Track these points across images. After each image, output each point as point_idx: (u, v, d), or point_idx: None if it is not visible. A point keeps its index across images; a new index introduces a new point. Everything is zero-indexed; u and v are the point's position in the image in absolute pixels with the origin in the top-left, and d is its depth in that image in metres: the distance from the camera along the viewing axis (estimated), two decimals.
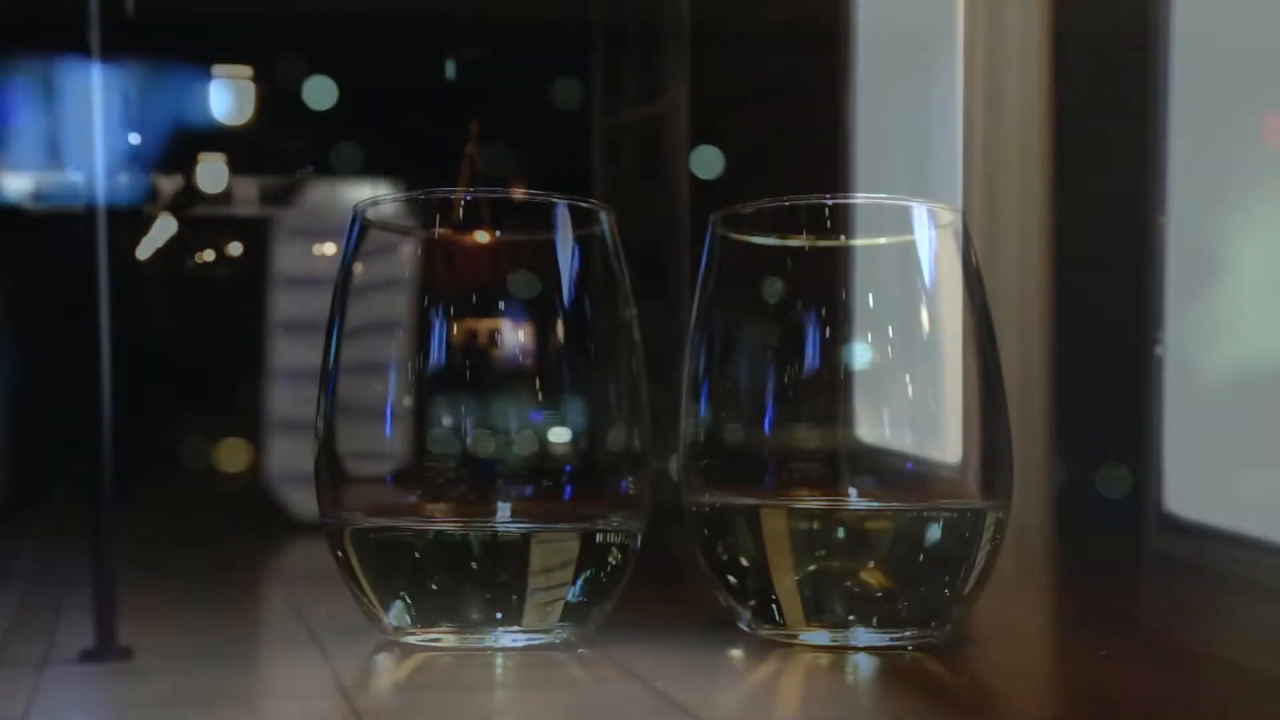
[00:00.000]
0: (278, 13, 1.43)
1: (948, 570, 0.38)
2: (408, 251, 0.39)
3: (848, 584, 0.38)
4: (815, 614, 0.38)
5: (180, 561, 0.69)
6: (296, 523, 0.89)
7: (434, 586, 0.37)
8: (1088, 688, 0.32)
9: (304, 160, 1.58)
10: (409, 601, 0.37)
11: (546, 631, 0.38)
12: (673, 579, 0.59)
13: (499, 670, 0.35)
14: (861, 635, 0.37)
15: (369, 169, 1.54)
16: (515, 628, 0.37)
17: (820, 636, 0.38)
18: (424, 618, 0.37)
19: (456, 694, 0.32)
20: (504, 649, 0.37)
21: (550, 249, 0.39)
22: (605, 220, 0.40)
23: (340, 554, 0.38)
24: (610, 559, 0.39)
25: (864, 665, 0.36)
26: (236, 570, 0.67)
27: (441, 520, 0.38)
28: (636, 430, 0.40)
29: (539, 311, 0.39)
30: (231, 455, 1.85)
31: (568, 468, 0.39)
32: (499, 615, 0.37)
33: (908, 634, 0.37)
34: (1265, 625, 0.47)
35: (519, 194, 0.39)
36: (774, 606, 0.38)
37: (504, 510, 0.39)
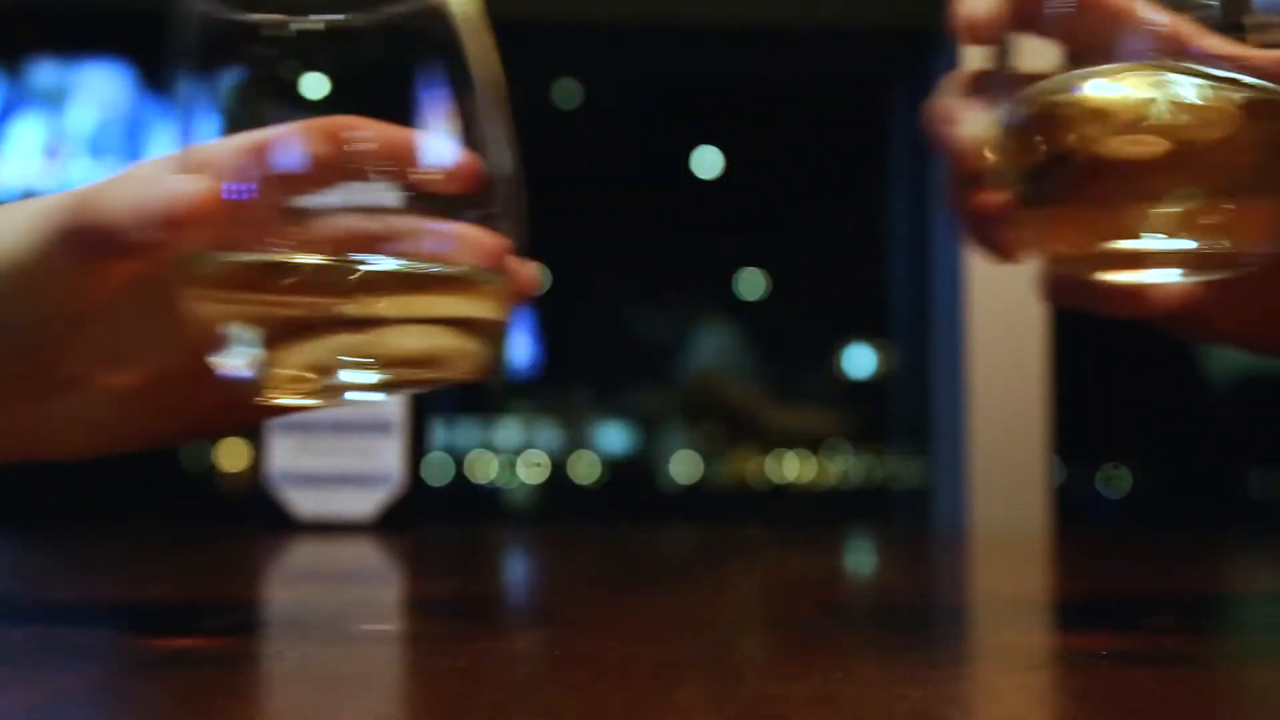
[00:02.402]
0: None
1: (1257, 179, 0.35)
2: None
3: (1155, 197, 0.35)
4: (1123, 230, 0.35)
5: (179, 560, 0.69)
6: (296, 523, 0.89)
7: (290, 329, 0.36)
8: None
9: None
10: (262, 344, 0.36)
11: (411, 379, 0.37)
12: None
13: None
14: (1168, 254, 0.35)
15: None
16: (376, 373, 0.36)
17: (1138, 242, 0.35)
18: (278, 359, 0.36)
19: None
20: (360, 388, 0.36)
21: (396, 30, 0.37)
22: None
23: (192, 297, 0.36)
24: (480, 309, 0.38)
25: (857, 663, 0.36)
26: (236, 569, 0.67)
27: (301, 253, 0.36)
28: (503, 213, 0.38)
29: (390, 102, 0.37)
30: (231, 455, 1.86)
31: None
32: (360, 360, 0.36)
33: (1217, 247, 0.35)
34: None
35: None
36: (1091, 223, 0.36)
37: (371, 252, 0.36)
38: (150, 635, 0.41)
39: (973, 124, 0.39)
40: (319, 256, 0.36)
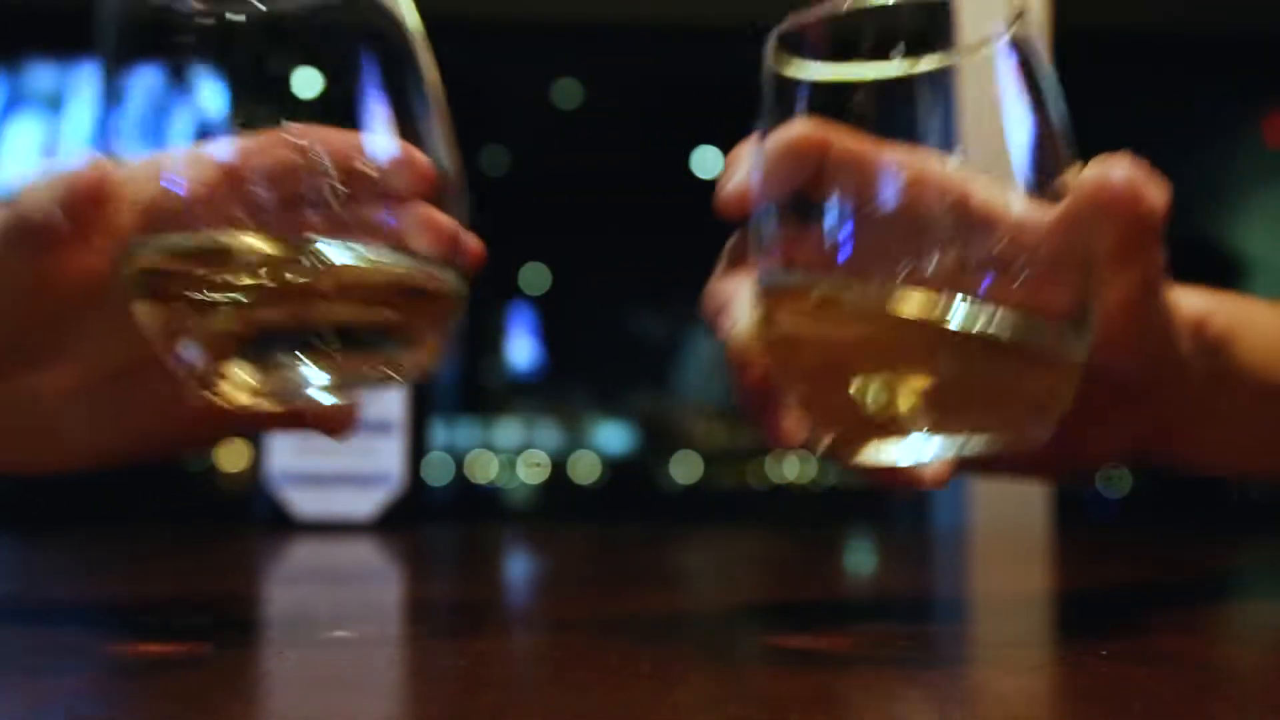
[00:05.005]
0: None
1: (1026, 378, 0.35)
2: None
3: (924, 395, 0.35)
4: (885, 423, 0.35)
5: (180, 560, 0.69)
6: (296, 523, 0.89)
7: (236, 326, 0.35)
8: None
9: None
10: (206, 346, 0.36)
11: (359, 376, 0.36)
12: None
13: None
14: (938, 443, 0.35)
15: None
16: (324, 372, 0.35)
17: (895, 451, 0.36)
18: (225, 362, 0.35)
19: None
20: (317, 392, 0.36)
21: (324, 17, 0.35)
22: None
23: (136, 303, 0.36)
24: (430, 304, 0.37)
25: (857, 664, 0.36)
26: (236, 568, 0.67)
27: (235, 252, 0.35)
28: (449, 157, 0.37)
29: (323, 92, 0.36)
30: (231, 455, 1.86)
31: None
32: (307, 357, 0.35)
33: (985, 441, 0.35)
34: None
35: None
36: (848, 425, 0.36)
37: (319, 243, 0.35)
38: (150, 635, 0.41)
39: (741, 308, 0.39)
40: (262, 240, 0.35)
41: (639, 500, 2.19)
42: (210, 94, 0.36)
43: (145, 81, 0.37)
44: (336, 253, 0.35)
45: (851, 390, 0.36)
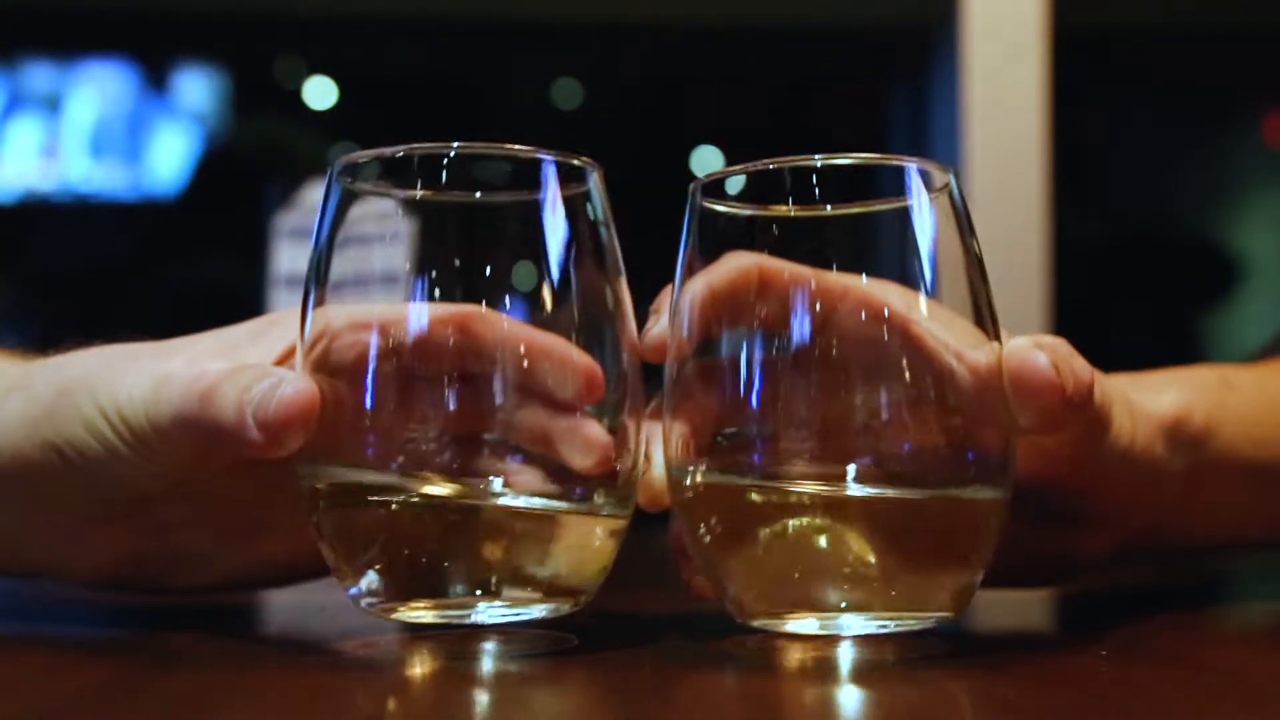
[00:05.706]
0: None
1: (947, 553, 0.36)
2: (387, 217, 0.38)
3: (840, 568, 0.36)
4: (803, 600, 0.36)
5: None
6: None
7: (413, 559, 0.37)
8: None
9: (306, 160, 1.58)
10: (386, 574, 0.37)
11: (528, 606, 0.37)
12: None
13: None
14: (852, 623, 0.36)
15: None
16: (496, 603, 0.37)
17: (809, 625, 0.37)
18: (402, 591, 0.37)
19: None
20: (484, 625, 0.37)
21: (536, 210, 0.37)
22: (593, 178, 0.39)
23: (315, 522, 0.38)
24: (596, 537, 0.38)
25: (858, 664, 0.36)
26: None
27: (418, 492, 0.37)
28: (627, 406, 0.38)
29: (524, 278, 0.38)
30: None
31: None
32: (479, 591, 0.37)
33: (905, 622, 0.36)
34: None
35: (505, 149, 0.38)
36: (758, 592, 0.37)
37: (491, 483, 0.37)
38: (151, 636, 0.41)
39: (656, 452, 0.40)
40: (436, 488, 0.37)
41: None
42: (410, 267, 0.37)
43: (349, 256, 0.38)
44: (510, 500, 0.37)
45: (764, 572, 0.37)
